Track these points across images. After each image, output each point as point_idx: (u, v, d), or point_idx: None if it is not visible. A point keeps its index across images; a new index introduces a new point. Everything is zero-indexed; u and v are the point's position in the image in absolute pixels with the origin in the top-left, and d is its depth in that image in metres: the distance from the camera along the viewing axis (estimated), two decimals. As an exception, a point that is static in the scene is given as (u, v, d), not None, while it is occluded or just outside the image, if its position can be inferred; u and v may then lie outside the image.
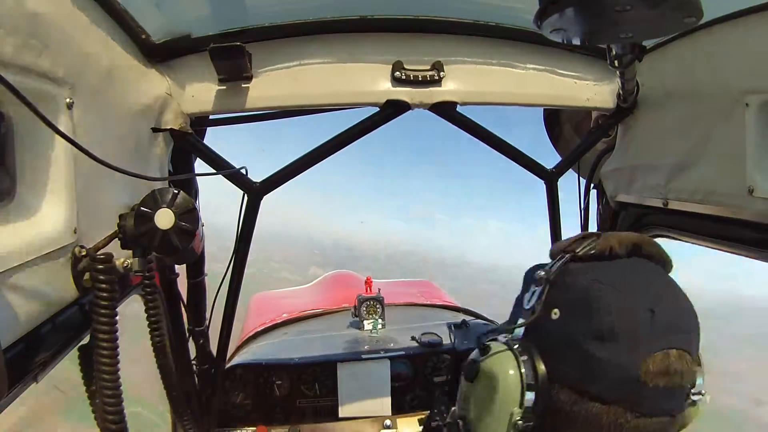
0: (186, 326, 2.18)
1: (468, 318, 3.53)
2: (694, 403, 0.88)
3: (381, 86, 1.88)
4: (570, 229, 2.35)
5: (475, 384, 0.97)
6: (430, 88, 1.89)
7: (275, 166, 1.99)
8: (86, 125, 1.15)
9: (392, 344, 3.06)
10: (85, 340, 1.20)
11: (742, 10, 1.38)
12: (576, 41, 1.24)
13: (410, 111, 1.95)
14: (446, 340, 2.98)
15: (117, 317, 1.14)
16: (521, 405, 0.88)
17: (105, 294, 1.11)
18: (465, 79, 1.92)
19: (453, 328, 2.93)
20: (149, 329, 1.54)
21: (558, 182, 2.19)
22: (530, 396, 0.88)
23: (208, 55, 1.63)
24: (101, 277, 1.11)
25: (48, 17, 1.01)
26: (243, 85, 1.79)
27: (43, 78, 1.00)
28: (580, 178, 2.36)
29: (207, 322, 2.25)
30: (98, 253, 1.14)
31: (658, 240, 2.02)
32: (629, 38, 1.22)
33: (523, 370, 0.89)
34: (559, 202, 2.24)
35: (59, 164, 1.07)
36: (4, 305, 0.92)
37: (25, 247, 0.97)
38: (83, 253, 1.14)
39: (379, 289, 3.43)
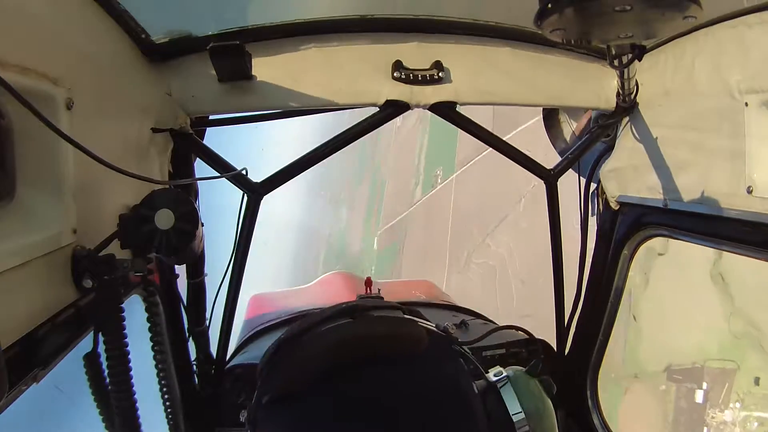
0: (186, 326, 2.18)
1: (467, 317, 3.53)
2: None
3: (381, 86, 1.87)
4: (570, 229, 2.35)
5: None
6: (430, 88, 1.89)
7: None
8: (86, 125, 1.15)
9: None
10: (88, 347, 1.20)
11: (742, 10, 1.38)
12: (576, 41, 1.24)
13: (410, 111, 1.95)
14: None
15: (123, 314, 1.15)
16: None
17: (107, 295, 1.11)
18: (464, 78, 1.91)
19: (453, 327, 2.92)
20: (149, 329, 1.54)
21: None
22: None
23: (208, 55, 1.62)
24: (104, 277, 1.11)
25: (48, 17, 1.01)
26: (243, 85, 1.78)
27: (42, 78, 1.00)
28: (580, 178, 2.36)
29: (207, 322, 2.25)
30: (100, 254, 1.14)
31: (658, 240, 2.03)
32: (629, 38, 1.22)
33: None
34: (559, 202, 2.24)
35: (59, 164, 1.06)
36: (4, 305, 0.92)
37: (24, 247, 0.97)
38: (83, 254, 1.15)
39: (379, 289, 3.43)
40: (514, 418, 1.19)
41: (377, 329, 0.89)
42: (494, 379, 1.30)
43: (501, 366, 1.33)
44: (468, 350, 1.40)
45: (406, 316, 1.22)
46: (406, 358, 0.84)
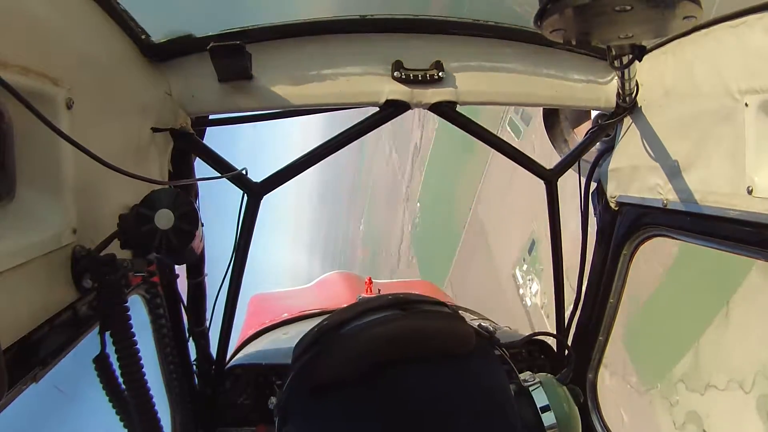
0: (186, 326, 2.18)
1: (474, 318, 3.53)
2: None
3: (381, 86, 1.87)
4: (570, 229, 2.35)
5: None
6: (430, 88, 1.89)
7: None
8: (86, 125, 1.15)
9: None
10: (88, 346, 1.20)
11: (742, 10, 1.38)
12: (576, 41, 1.24)
13: (410, 111, 1.95)
14: None
15: (129, 312, 1.15)
16: None
17: (112, 294, 1.11)
18: (465, 78, 1.91)
19: None
20: (152, 329, 1.54)
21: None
22: None
23: (208, 55, 1.63)
24: (105, 277, 1.11)
25: (48, 17, 1.01)
26: (243, 85, 1.79)
27: (42, 78, 1.00)
28: (580, 178, 2.36)
29: (207, 322, 2.25)
30: (101, 253, 1.14)
31: (657, 240, 2.03)
32: (629, 38, 1.22)
33: None
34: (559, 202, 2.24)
35: (59, 164, 1.07)
36: (4, 305, 0.92)
37: (24, 247, 0.97)
38: (83, 254, 1.15)
39: (379, 290, 3.44)
40: (545, 422, 1.20)
41: (435, 324, 0.86)
42: (527, 383, 1.32)
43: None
44: (506, 352, 1.40)
45: (454, 313, 1.20)
46: (454, 357, 0.82)
